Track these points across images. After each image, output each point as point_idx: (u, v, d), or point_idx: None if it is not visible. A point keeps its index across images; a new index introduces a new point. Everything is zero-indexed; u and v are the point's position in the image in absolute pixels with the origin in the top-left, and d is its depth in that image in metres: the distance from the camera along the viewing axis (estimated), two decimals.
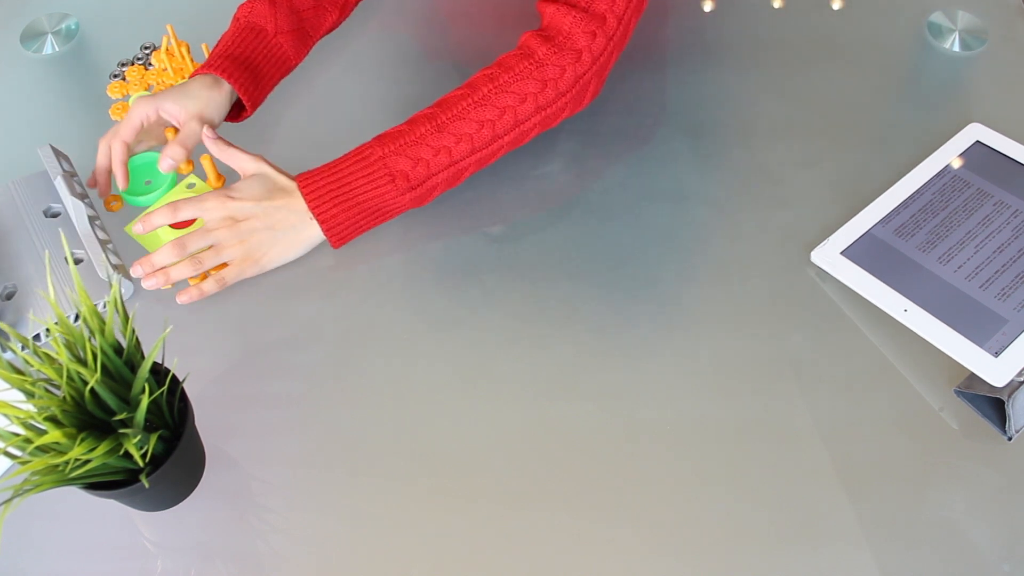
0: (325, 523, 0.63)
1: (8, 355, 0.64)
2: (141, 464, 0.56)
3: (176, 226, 0.78)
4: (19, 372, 0.55)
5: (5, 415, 0.53)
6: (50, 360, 0.55)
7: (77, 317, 0.72)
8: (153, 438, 0.56)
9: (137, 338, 0.58)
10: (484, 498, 0.64)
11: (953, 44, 0.89)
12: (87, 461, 0.53)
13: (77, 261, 0.76)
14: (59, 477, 0.54)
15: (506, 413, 0.68)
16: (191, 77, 0.78)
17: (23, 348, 0.55)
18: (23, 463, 0.53)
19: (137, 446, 0.54)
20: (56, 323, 0.55)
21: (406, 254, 0.77)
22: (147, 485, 0.56)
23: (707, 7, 0.95)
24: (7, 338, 0.54)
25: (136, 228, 0.74)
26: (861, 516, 0.62)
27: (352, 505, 0.64)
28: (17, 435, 0.54)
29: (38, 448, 0.54)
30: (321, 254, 0.77)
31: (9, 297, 0.74)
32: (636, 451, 0.65)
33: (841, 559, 0.60)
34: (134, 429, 0.55)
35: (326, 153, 0.84)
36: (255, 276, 0.75)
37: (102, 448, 0.53)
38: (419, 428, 0.67)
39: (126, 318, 0.57)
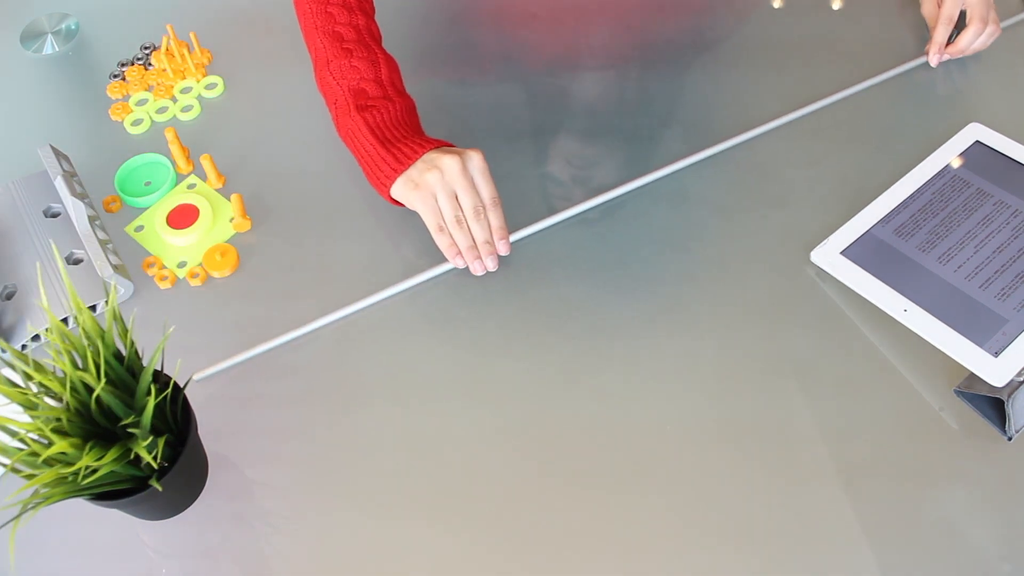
0: (328, 524, 0.64)
1: (6, 371, 0.64)
2: (155, 465, 0.56)
3: (176, 226, 0.79)
4: (16, 386, 0.54)
5: (6, 431, 0.53)
6: (45, 371, 0.55)
7: (67, 320, 0.72)
8: (161, 441, 0.56)
9: (136, 349, 0.58)
10: (485, 497, 0.64)
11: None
12: (95, 470, 0.53)
13: (77, 261, 0.76)
14: (68, 488, 0.54)
15: (506, 413, 0.68)
16: (430, 151, 0.72)
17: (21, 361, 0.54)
18: (28, 476, 0.53)
19: (146, 450, 0.54)
20: (50, 330, 0.54)
21: (406, 254, 0.77)
22: (160, 488, 0.56)
23: (708, 7, 0.95)
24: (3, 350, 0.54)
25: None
26: (861, 516, 0.62)
27: (354, 505, 0.64)
28: (21, 450, 0.54)
29: (44, 461, 0.54)
30: (320, 253, 0.77)
31: (9, 297, 0.74)
32: (636, 451, 0.65)
33: (841, 559, 0.60)
34: (141, 432, 0.55)
35: (325, 153, 0.84)
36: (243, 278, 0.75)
37: (111, 455, 0.53)
38: (419, 428, 0.68)
39: (125, 330, 0.57)
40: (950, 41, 0.86)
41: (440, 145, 0.72)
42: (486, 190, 0.72)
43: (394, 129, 0.73)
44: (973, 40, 0.85)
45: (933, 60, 0.87)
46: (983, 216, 0.74)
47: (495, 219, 0.72)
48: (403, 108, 0.74)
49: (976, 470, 0.63)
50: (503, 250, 0.73)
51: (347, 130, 0.74)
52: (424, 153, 0.71)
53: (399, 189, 0.71)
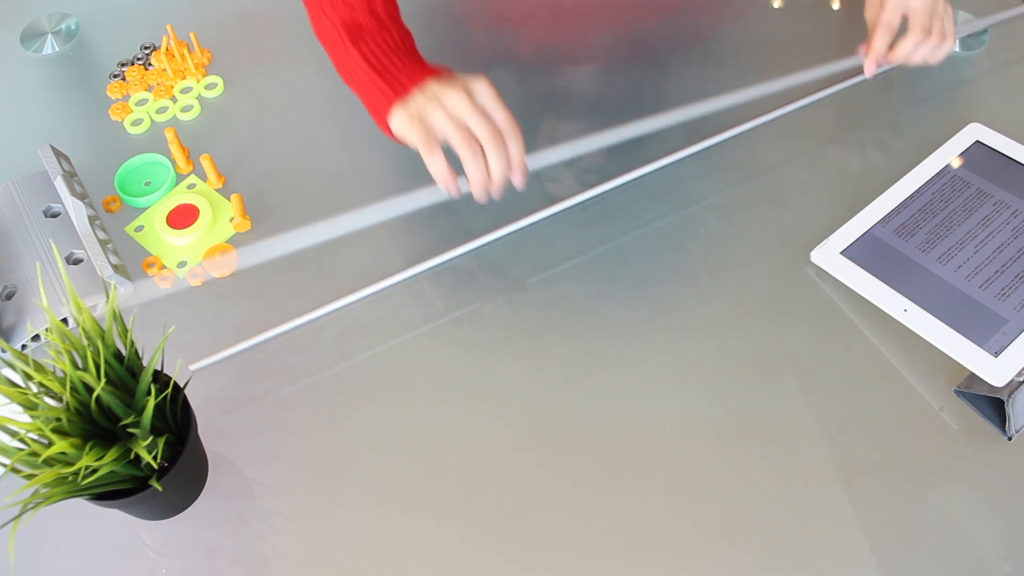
0: (328, 524, 0.64)
1: (6, 371, 0.64)
2: (155, 465, 0.55)
3: (176, 226, 0.79)
4: (16, 386, 0.54)
5: (6, 431, 0.53)
6: (45, 371, 0.55)
7: (67, 320, 0.72)
8: (161, 441, 0.56)
9: (136, 349, 0.58)
10: (485, 497, 0.64)
11: (953, 44, 0.89)
12: (95, 470, 0.53)
13: (77, 261, 0.76)
14: (68, 488, 0.54)
15: (506, 413, 0.68)
16: (438, 76, 0.66)
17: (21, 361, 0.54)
18: (28, 476, 0.53)
19: (146, 450, 0.54)
20: (50, 330, 0.54)
21: (406, 254, 0.77)
22: (160, 488, 0.56)
23: (707, 7, 0.95)
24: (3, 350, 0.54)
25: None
26: (861, 516, 0.62)
27: (355, 506, 0.64)
28: (21, 450, 0.54)
29: (44, 461, 0.54)
30: (320, 253, 0.77)
31: (9, 297, 0.74)
32: (636, 451, 0.65)
33: (841, 559, 0.60)
34: (141, 432, 0.55)
35: (325, 153, 0.84)
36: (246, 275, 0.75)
37: (111, 455, 0.53)
38: (419, 428, 0.68)
39: (125, 330, 0.57)
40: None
41: (440, 73, 0.65)
42: (500, 116, 0.63)
43: (392, 57, 0.67)
44: (912, 50, 0.76)
45: (868, 68, 0.79)
46: (983, 216, 0.74)
47: (514, 148, 0.64)
48: (400, 36, 0.69)
49: (976, 470, 0.63)
50: (518, 181, 0.65)
51: (345, 67, 0.69)
52: (422, 81, 0.64)
53: (398, 122, 0.65)
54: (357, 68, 0.68)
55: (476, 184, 0.64)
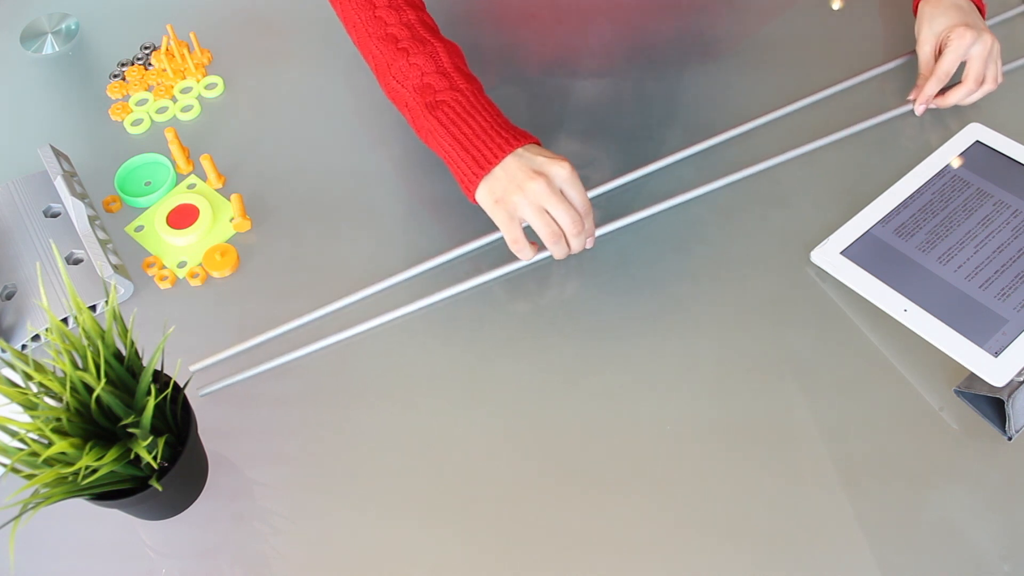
0: (328, 524, 0.64)
1: (6, 371, 0.64)
2: (155, 465, 0.55)
3: (176, 226, 0.79)
4: (16, 386, 0.54)
5: (6, 431, 0.53)
6: (45, 371, 0.55)
7: (67, 320, 0.72)
8: (161, 441, 0.56)
9: (136, 349, 0.57)
10: (485, 497, 0.64)
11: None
12: (95, 470, 0.53)
13: (77, 261, 0.76)
14: (68, 488, 0.54)
15: (506, 413, 0.68)
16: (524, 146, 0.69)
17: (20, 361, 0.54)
18: (28, 476, 0.53)
19: (146, 450, 0.54)
20: (50, 330, 0.54)
21: (406, 255, 0.77)
22: (160, 488, 0.56)
23: (707, 7, 0.95)
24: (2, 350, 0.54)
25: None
26: (861, 516, 0.62)
27: (354, 505, 0.64)
28: (21, 450, 0.54)
29: (44, 461, 0.54)
30: (320, 253, 0.77)
31: (9, 297, 0.74)
32: (636, 451, 0.65)
33: (841, 559, 0.60)
34: (141, 432, 0.55)
35: (325, 153, 0.84)
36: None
37: (111, 455, 0.53)
38: (419, 428, 0.68)
39: (125, 330, 0.57)
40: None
41: (523, 141, 0.69)
42: (579, 200, 0.69)
43: (469, 122, 0.70)
44: (964, 98, 0.81)
45: (919, 110, 0.82)
46: (983, 216, 0.74)
47: (589, 225, 0.71)
48: (472, 93, 0.72)
49: (976, 470, 0.63)
50: (590, 246, 0.73)
51: (425, 132, 0.72)
52: (505, 157, 0.68)
53: (483, 197, 0.69)
54: (438, 136, 0.71)
55: (557, 256, 0.72)
